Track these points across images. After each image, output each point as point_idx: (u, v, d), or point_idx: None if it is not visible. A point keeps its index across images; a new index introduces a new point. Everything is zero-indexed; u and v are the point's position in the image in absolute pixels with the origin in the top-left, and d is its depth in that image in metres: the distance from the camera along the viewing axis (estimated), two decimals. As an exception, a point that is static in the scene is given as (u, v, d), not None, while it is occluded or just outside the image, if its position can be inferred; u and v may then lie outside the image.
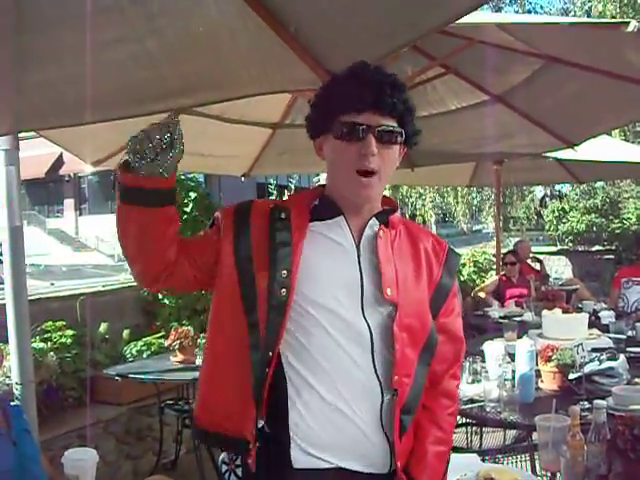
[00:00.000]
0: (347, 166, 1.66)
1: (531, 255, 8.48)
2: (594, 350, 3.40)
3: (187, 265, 1.71)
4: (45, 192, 34.55)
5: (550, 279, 8.27)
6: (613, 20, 4.53)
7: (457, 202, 16.19)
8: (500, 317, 5.93)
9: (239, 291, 1.66)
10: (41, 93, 2.64)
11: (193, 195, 6.85)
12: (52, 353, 4.36)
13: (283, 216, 1.70)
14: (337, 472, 1.63)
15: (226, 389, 1.69)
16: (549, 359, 3.28)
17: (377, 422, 1.65)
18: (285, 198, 1.95)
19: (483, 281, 8.88)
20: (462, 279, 9.78)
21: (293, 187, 9.84)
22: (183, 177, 7.01)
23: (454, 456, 2.44)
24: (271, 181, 10.22)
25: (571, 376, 3.19)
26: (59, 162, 28.51)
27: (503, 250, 8.13)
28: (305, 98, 3.35)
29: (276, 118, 5.61)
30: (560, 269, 10.95)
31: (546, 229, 15.29)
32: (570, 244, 13.41)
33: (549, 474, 2.28)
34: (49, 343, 4.50)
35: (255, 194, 9.31)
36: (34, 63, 2.49)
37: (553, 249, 12.67)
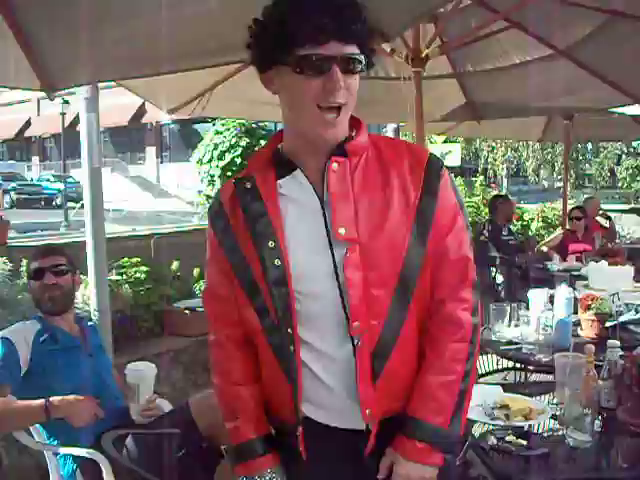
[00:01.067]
0: (309, 103, 1.45)
1: (600, 212, 8.43)
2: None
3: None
4: (128, 140, 35.53)
5: (619, 237, 8.22)
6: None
7: (528, 157, 16.01)
8: (558, 270, 6.00)
9: (238, 282, 1.59)
10: (118, 46, 2.92)
11: (263, 142, 7.12)
12: (127, 286, 4.75)
13: (248, 186, 1.56)
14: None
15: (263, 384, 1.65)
16: (588, 307, 3.41)
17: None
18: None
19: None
20: (530, 233, 9.83)
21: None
22: (254, 125, 7.30)
23: (479, 386, 2.66)
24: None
25: (607, 324, 3.33)
26: (141, 111, 29.25)
27: (572, 206, 8.12)
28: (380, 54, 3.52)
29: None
30: (633, 227, 10.79)
31: (619, 187, 14.98)
32: (645, 202, 13.19)
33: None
34: (124, 276, 4.89)
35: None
36: (112, 20, 2.77)
37: (626, 207, 12.47)
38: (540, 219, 9.89)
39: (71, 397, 2.54)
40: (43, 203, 29.13)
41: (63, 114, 23.45)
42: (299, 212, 1.54)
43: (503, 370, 4.15)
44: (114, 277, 4.71)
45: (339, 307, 1.50)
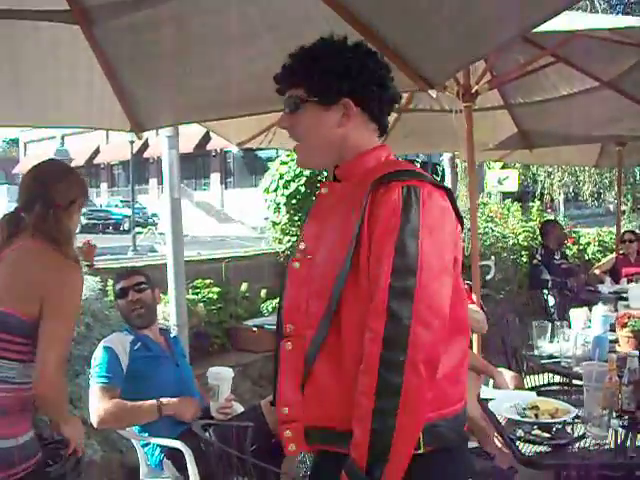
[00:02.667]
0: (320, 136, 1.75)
1: (657, 235, 8.54)
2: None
3: None
4: (193, 166, 36.51)
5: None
6: None
7: (584, 182, 16.07)
8: (609, 292, 6.21)
9: None
10: (199, 94, 3.37)
11: (326, 172, 7.48)
12: (201, 304, 5.21)
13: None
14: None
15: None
16: (625, 325, 3.68)
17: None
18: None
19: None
20: (587, 257, 9.96)
21: (419, 162, 10.35)
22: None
23: (516, 393, 2.99)
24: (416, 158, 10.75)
25: (643, 340, 3.59)
26: (206, 138, 30.11)
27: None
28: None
29: (400, 103, 6.12)
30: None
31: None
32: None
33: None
34: (198, 296, 5.35)
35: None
36: (193, 72, 3.22)
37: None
38: (596, 243, 10.02)
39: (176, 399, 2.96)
40: (111, 228, 30.19)
41: (132, 142, 24.40)
42: None
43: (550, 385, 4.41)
44: (190, 296, 5.17)
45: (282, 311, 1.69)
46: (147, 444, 3.13)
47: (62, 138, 38.30)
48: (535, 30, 4.29)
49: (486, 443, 3.08)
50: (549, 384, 4.25)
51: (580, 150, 8.50)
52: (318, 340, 1.57)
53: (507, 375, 3.81)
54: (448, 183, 8.13)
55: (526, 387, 3.87)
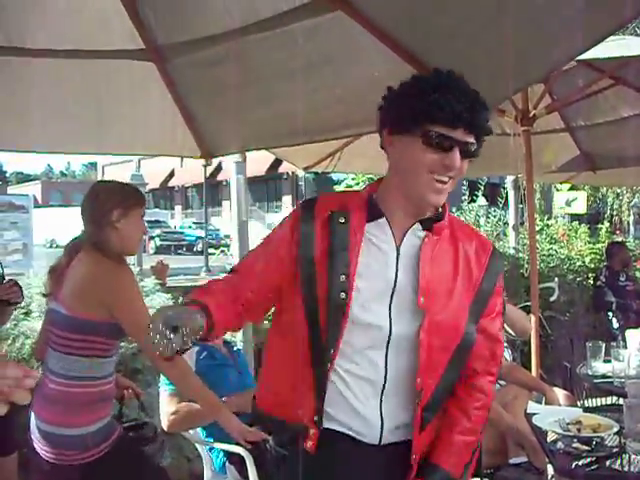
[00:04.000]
0: (426, 171, 1.72)
1: None
2: None
3: (260, 308, 1.90)
4: (265, 189, 37.10)
5: None
6: None
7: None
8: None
9: (301, 292, 1.77)
10: (263, 123, 3.61)
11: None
12: (266, 321, 5.39)
13: (342, 221, 1.77)
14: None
15: (286, 380, 1.84)
16: (681, 345, 3.71)
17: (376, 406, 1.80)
18: (340, 193, 2.01)
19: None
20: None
21: (483, 184, 10.38)
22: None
23: (561, 408, 3.08)
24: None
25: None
26: (278, 161, 30.44)
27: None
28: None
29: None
30: None
31: None
32: None
33: None
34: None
35: (470, 189, 9.88)
36: (258, 101, 3.46)
37: None
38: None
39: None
40: (185, 249, 30.88)
41: (205, 165, 24.97)
42: (376, 256, 1.78)
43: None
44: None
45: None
46: (212, 449, 3.33)
47: (138, 161, 39.58)
48: (593, 56, 4.45)
49: (536, 458, 3.17)
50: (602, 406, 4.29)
51: (648, 171, 8.43)
52: (446, 388, 1.85)
53: (560, 394, 3.88)
54: (511, 205, 8.14)
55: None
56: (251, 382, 3.58)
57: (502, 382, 3.82)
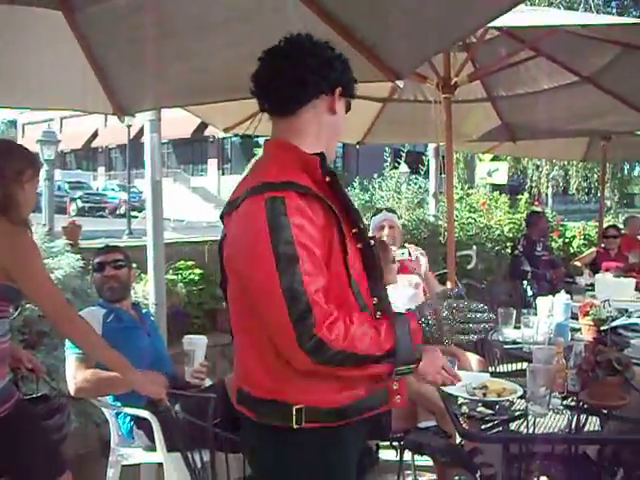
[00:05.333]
0: (340, 131, 1.94)
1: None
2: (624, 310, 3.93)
3: None
4: (190, 151, 36.59)
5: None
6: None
7: (572, 176, 16.26)
8: (585, 285, 6.33)
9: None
10: (179, 79, 3.49)
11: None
12: (181, 284, 5.33)
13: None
14: None
15: None
16: (587, 314, 3.81)
17: None
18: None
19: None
20: (572, 251, 10.10)
21: (404, 152, 10.44)
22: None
23: (471, 374, 3.12)
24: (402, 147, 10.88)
25: (602, 328, 3.72)
26: (204, 123, 30.08)
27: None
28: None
29: (385, 93, 6.23)
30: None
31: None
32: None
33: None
34: (180, 277, 5.47)
35: (392, 157, 9.85)
36: (174, 57, 3.33)
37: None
38: (582, 237, 10.15)
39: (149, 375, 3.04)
40: (107, 212, 30.30)
41: (129, 126, 24.42)
42: None
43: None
44: (170, 277, 5.29)
45: None
46: (119, 413, 3.26)
47: (61, 121, 38.39)
48: (514, 25, 4.47)
49: (444, 422, 3.20)
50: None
51: (567, 144, 8.61)
52: None
53: (473, 359, 3.94)
54: (432, 173, 8.22)
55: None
56: (161, 345, 3.51)
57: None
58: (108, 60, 3.53)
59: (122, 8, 3.08)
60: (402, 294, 4.08)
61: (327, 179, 1.79)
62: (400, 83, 3.19)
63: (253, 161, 1.98)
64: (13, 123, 50.69)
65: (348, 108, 1.93)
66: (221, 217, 1.85)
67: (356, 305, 1.75)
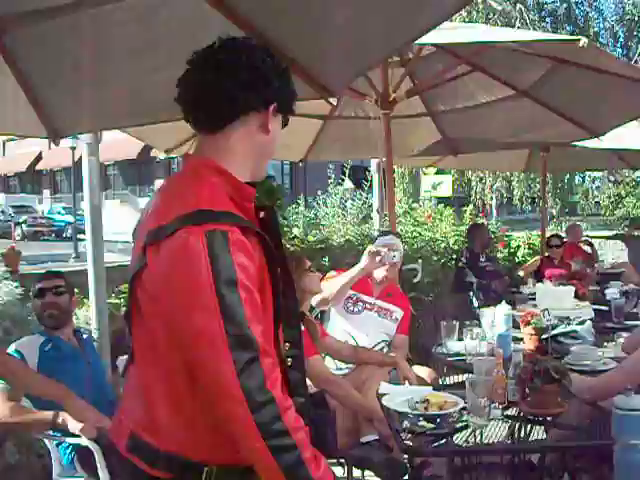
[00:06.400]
0: (274, 150, 1.73)
1: (582, 238, 8.87)
2: (565, 317, 4.01)
3: None
4: (137, 173, 36.17)
5: (598, 262, 8.62)
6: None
7: (515, 188, 16.61)
8: (529, 294, 6.43)
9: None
10: (114, 102, 3.46)
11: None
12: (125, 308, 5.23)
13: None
14: None
15: None
16: (528, 323, 3.87)
17: None
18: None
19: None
20: (517, 260, 10.25)
21: (348, 168, 10.50)
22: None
23: (412, 387, 3.14)
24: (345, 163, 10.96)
25: (543, 337, 3.78)
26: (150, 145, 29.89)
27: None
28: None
29: (326, 110, 6.27)
30: (616, 253, 11.21)
31: (602, 214, 15.48)
32: (626, 229, 13.61)
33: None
34: (123, 300, 5.38)
35: (336, 173, 9.90)
36: (105, 81, 3.30)
37: (610, 234, 12.88)
38: (526, 246, 10.32)
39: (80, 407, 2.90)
40: (54, 235, 29.76)
41: (73, 148, 24.05)
42: None
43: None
44: (114, 300, 5.20)
45: None
46: (60, 443, 3.17)
47: (3, 144, 37.69)
48: (451, 41, 4.55)
49: (386, 436, 3.20)
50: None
51: (509, 156, 8.79)
52: None
53: (423, 372, 3.97)
54: (376, 188, 8.28)
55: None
56: (102, 373, 3.45)
57: (351, 365, 3.88)
58: (40, 83, 3.46)
59: (50, 30, 3.03)
60: (376, 321, 4.13)
61: (261, 215, 1.67)
62: (334, 100, 3.20)
63: (171, 176, 1.80)
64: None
65: (285, 124, 1.73)
66: (143, 248, 1.55)
67: (275, 352, 1.58)
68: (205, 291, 1.43)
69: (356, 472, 3.49)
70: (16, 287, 4.28)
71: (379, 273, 4.17)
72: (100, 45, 3.09)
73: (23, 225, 29.43)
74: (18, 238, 26.12)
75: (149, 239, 1.53)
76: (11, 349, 3.17)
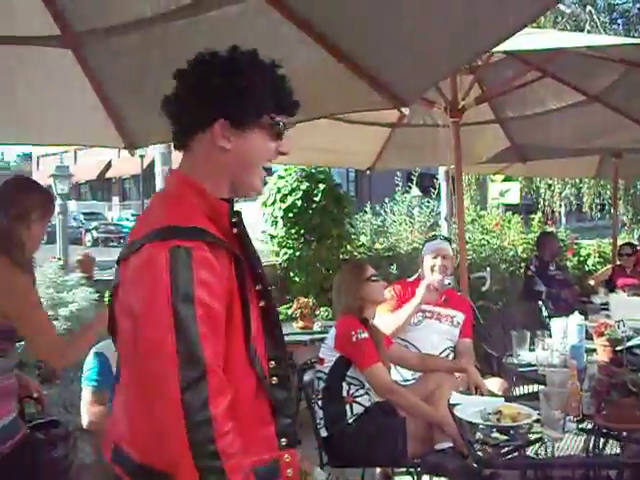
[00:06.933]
0: (261, 161, 1.67)
1: (656, 247, 8.62)
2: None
3: None
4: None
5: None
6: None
7: (585, 194, 16.24)
8: (601, 304, 6.28)
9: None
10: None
11: (322, 186, 7.68)
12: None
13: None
14: None
15: None
16: (602, 334, 3.79)
17: None
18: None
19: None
20: (587, 269, 10.04)
21: (417, 174, 10.46)
22: (314, 170, 7.85)
23: (484, 398, 3.11)
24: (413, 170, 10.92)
25: (618, 348, 3.70)
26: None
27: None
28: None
29: (394, 118, 6.27)
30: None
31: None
32: None
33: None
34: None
35: (404, 180, 9.88)
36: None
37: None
38: (597, 255, 10.09)
39: None
40: (122, 241, 30.42)
41: (142, 156, 24.68)
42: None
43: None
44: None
45: None
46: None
47: (75, 153, 38.78)
48: (520, 49, 4.50)
49: (460, 443, 3.18)
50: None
51: (579, 162, 8.59)
52: None
53: (494, 382, 3.92)
54: (444, 196, 8.23)
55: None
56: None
57: (417, 375, 3.87)
58: (116, 95, 3.58)
59: (128, 44, 3.13)
60: (439, 328, 4.10)
61: (235, 231, 1.64)
62: (406, 110, 3.19)
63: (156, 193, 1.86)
64: (29, 156, 51.28)
65: (276, 134, 1.67)
66: (117, 261, 1.63)
67: (251, 369, 1.60)
68: (162, 305, 1.45)
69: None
70: (91, 292, 4.41)
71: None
72: (176, 57, 3.17)
73: (93, 231, 30.23)
74: (89, 244, 26.83)
75: (122, 254, 1.60)
76: (91, 353, 3.28)
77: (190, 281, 1.46)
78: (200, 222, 1.55)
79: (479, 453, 2.41)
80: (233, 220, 1.64)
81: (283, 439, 1.66)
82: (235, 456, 1.47)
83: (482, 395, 3.43)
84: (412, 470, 3.37)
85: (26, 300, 2.50)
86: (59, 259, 5.49)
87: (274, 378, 1.66)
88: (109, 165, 40.56)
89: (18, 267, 2.48)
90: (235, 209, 1.67)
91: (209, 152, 1.63)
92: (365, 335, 3.41)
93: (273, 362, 1.66)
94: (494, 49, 3.65)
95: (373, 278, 3.63)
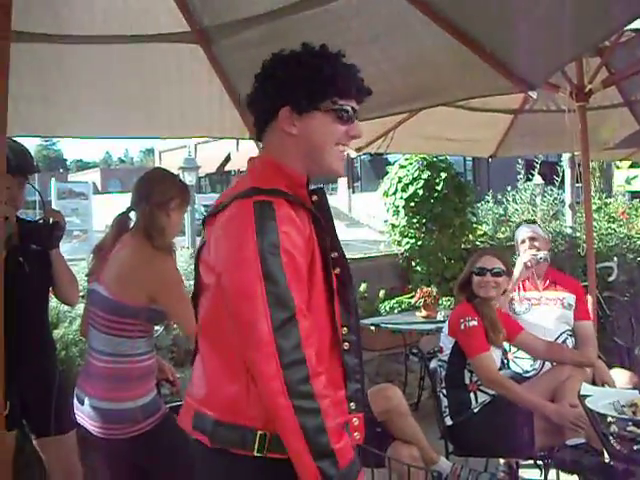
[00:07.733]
0: (329, 143, 1.75)
1: None
2: None
3: None
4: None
5: None
6: None
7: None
8: None
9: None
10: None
11: (443, 175, 7.60)
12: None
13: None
14: None
15: None
16: None
17: None
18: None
19: None
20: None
21: (539, 162, 10.14)
22: (435, 159, 7.78)
23: (615, 390, 3.00)
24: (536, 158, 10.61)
25: None
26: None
27: None
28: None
29: (516, 104, 6.12)
30: None
31: None
32: None
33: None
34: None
35: (526, 168, 9.67)
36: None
37: None
38: None
39: None
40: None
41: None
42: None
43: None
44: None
45: None
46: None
47: (195, 146, 39.93)
48: (650, 27, 4.28)
49: (594, 439, 3.07)
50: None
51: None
52: None
53: (625, 374, 3.78)
54: (568, 183, 7.95)
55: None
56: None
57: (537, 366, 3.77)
58: (243, 87, 3.66)
59: (254, 37, 3.21)
60: (549, 313, 3.98)
61: (314, 198, 1.79)
62: (533, 94, 3.11)
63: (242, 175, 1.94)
64: (151, 151, 53.40)
65: (345, 118, 1.75)
66: (202, 223, 1.79)
67: (329, 326, 1.68)
68: (250, 252, 1.55)
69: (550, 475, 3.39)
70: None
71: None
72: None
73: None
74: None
75: (207, 215, 1.75)
76: None
77: (275, 231, 1.56)
78: (281, 186, 1.69)
79: (616, 447, 2.32)
80: (311, 191, 1.78)
81: (352, 403, 1.72)
82: (327, 398, 1.54)
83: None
84: (540, 464, 3.29)
85: (173, 283, 2.65)
86: (188, 248, 5.68)
87: (346, 344, 1.72)
88: (228, 158, 41.44)
89: (160, 250, 2.64)
90: (318, 187, 1.82)
91: (281, 138, 1.76)
92: (474, 323, 3.37)
93: (345, 328, 1.73)
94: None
95: (477, 271, 3.55)
